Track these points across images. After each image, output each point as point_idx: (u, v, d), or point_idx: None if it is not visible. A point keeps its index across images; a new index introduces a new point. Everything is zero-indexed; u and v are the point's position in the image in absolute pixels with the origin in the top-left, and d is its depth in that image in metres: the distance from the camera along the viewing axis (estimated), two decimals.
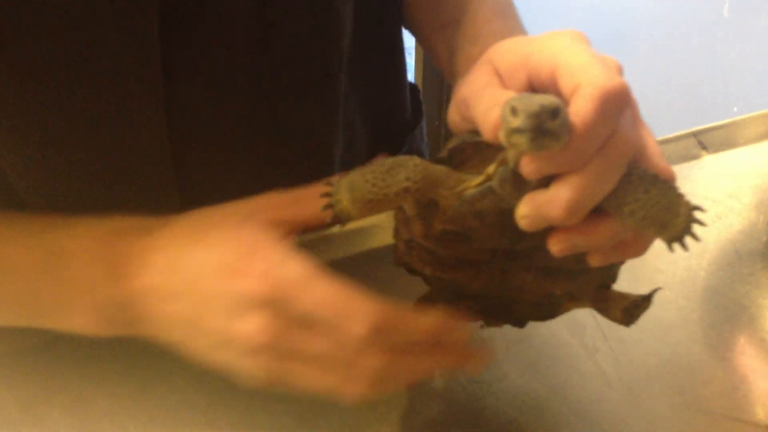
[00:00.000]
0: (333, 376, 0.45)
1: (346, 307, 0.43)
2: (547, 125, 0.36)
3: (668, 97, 1.98)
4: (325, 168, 0.68)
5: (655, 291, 0.51)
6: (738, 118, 0.87)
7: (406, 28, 0.74)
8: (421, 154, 0.82)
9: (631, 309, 0.51)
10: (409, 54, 1.58)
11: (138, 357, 0.59)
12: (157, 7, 0.51)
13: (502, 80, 0.45)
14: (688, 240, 0.41)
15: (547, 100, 0.36)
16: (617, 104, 0.38)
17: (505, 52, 0.45)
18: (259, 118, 0.62)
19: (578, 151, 0.38)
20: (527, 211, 0.40)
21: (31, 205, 0.59)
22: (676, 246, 0.41)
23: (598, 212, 0.40)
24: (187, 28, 0.54)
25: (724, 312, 0.65)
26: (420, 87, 1.22)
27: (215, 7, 0.54)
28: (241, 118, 0.61)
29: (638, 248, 0.44)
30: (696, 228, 0.41)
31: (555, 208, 0.39)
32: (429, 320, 0.45)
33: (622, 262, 0.49)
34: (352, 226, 0.51)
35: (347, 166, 0.71)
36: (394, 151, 0.77)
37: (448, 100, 1.78)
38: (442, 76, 1.73)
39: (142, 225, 0.50)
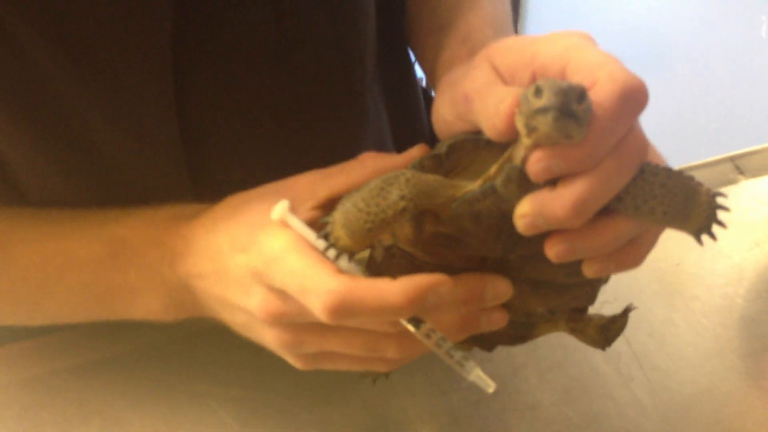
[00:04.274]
0: (357, 350, 0.45)
1: (304, 285, 0.41)
2: (573, 107, 0.34)
3: (705, 121, 1.96)
4: None
5: (629, 309, 0.51)
6: None
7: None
8: None
9: (608, 325, 0.50)
10: None
11: (172, 380, 0.60)
12: (170, 25, 0.51)
13: (503, 79, 0.43)
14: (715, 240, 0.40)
15: (574, 82, 0.35)
16: (638, 102, 0.37)
17: (507, 50, 0.44)
18: (279, 136, 0.61)
19: (593, 148, 0.36)
20: (528, 209, 0.38)
21: (36, 199, 0.59)
22: (704, 236, 0.40)
23: (601, 214, 0.38)
24: (202, 43, 0.54)
25: (762, 340, 0.64)
26: None
27: (231, 20, 0.54)
28: (259, 138, 0.60)
29: (637, 257, 0.41)
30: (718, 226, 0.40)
31: (560, 208, 0.37)
32: (399, 289, 0.39)
33: (604, 282, 0.47)
34: None
35: None
36: None
37: None
38: None
39: (191, 211, 0.52)
